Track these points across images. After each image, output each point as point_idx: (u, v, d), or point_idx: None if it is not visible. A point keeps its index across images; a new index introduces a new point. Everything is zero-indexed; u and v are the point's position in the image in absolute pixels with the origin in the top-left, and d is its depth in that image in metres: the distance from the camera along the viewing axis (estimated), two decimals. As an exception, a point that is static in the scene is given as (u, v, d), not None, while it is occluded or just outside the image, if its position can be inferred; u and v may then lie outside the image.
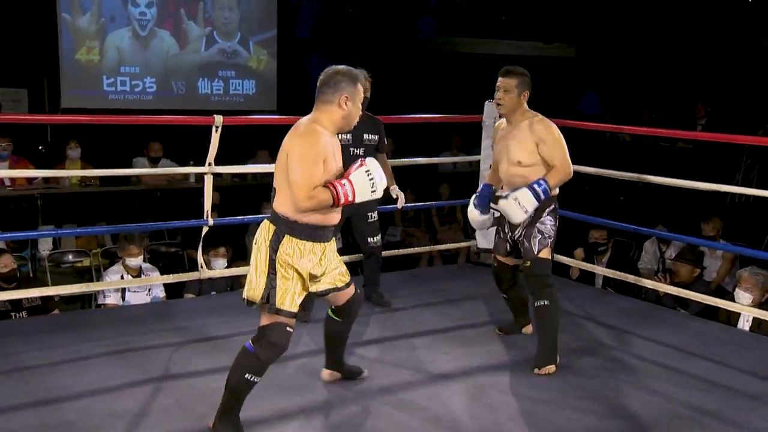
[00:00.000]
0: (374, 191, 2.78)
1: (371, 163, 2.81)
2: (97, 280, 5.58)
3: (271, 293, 2.71)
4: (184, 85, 9.13)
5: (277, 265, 2.72)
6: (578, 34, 11.09)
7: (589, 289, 5.21)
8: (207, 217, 4.26)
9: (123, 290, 4.78)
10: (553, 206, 3.59)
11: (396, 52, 10.68)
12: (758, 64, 10.37)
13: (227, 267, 5.08)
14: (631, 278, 4.68)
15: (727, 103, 9.91)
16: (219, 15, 9.22)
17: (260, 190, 7.50)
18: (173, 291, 5.08)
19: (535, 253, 3.55)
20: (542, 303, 3.52)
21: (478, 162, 5.26)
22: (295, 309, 2.75)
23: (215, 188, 4.69)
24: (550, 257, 3.59)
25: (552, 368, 3.46)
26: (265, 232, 2.76)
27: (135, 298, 4.81)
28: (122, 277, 4.86)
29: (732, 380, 3.45)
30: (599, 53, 10.43)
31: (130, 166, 7.28)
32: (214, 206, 4.45)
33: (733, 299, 4.59)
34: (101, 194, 6.99)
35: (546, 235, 3.57)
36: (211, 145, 4.16)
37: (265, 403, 3.07)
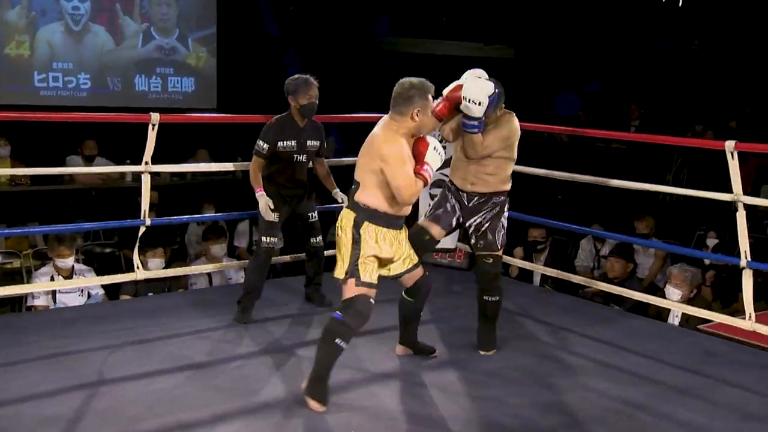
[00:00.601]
0: (442, 160, 3.18)
1: (431, 139, 3.17)
2: (28, 282, 5.40)
3: (354, 267, 3.11)
4: (120, 81, 8.89)
5: (361, 243, 3.12)
6: (517, 35, 11.29)
7: (528, 287, 5.32)
8: (144, 216, 4.18)
9: (54, 292, 4.64)
10: (507, 200, 3.72)
11: (349, 50, 10.65)
12: (688, 67, 10.76)
13: (165, 268, 4.98)
14: (568, 275, 4.79)
15: (660, 105, 10.26)
16: (156, 11, 9.02)
17: (200, 190, 7.40)
18: (110, 293, 4.97)
19: (498, 248, 3.67)
20: (494, 299, 3.69)
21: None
22: (375, 281, 3.15)
23: (153, 187, 4.60)
24: (501, 254, 3.75)
25: (494, 350, 3.75)
26: (347, 219, 3.16)
27: (68, 300, 4.67)
28: (52, 279, 4.72)
29: (662, 374, 3.57)
30: (538, 55, 10.65)
31: (63, 164, 7.07)
32: (152, 206, 4.38)
33: (664, 295, 4.76)
34: (33, 193, 6.76)
35: (504, 231, 3.70)
36: (147, 143, 4.08)
37: (203, 406, 3.04)
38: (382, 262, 3.21)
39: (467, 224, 3.71)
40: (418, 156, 3.13)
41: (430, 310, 4.35)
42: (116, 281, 4.44)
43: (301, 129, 4.07)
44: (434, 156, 3.14)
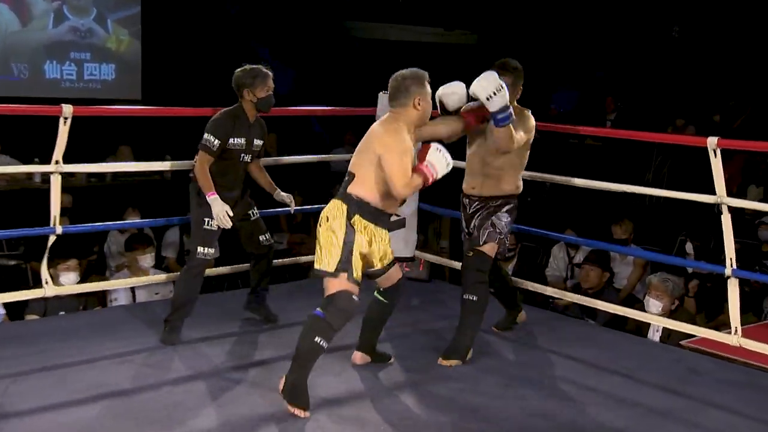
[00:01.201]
0: (449, 164, 3.42)
1: (434, 144, 3.44)
2: None
3: (346, 262, 3.30)
4: (27, 68, 8.70)
5: (355, 236, 3.34)
6: (481, 20, 11.40)
7: (493, 300, 5.34)
8: (54, 224, 4.07)
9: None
10: (512, 204, 3.91)
11: (297, 34, 10.61)
12: (668, 56, 11.00)
13: (80, 282, 4.88)
14: (538, 287, 4.84)
15: (637, 98, 10.47)
16: (70, -13, 8.87)
17: (122, 192, 7.28)
18: (14, 312, 4.84)
19: (480, 244, 3.82)
20: (472, 298, 3.81)
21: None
22: (360, 279, 3.37)
23: (66, 190, 4.51)
24: (492, 254, 3.87)
25: (456, 363, 3.77)
26: (337, 209, 3.37)
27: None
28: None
29: (641, 395, 3.63)
30: (503, 41, 10.78)
31: (-41, 163, 6.88)
32: (63, 211, 4.27)
33: (643, 307, 4.85)
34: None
35: (497, 231, 3.83)
36: (58, 139, 3.98)
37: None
38: (365, 260, 3.42)
39: (469, 231, 3.96)
40: (421, 158, 3.41)
41: (401, 324, 4.34)
42: (21, 299, 4.30)
43: (250, 125, 4.07)
44: (436, 155, 3.39)
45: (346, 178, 3.44)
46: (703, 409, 3.53)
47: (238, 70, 4.03)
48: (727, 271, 3.88)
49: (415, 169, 3.39)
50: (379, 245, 3.46)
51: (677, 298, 4.82)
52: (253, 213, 4.27)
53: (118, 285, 4.94)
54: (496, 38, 11.00)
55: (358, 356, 3.80)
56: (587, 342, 4.34)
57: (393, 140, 3.36)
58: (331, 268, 3.32)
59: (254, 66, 4.03)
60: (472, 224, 3.94)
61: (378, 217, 3.41)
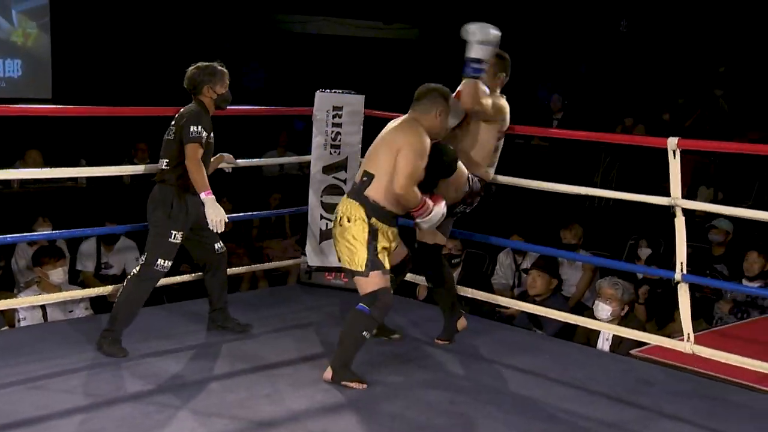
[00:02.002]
0: (435, 219, 3.89)
1: (438, 206, 3.90)
2: None
3: (375, 259, 3.72)
4: None
5: (378, 234, 3.74)
6: (421, 13, 11.48)
7: (437, 311, 5.38)
8: (-48, 237, 3.96)
9: None
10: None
11: (229, 28, 10.51)
12: (615, 52, 11.26)
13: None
14: (483, 295, 4.89)
15: (584, 96, 10.68)
16: (-32, -25, 8.64)
17: (31, 201, 7.10)
18: None
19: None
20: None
21: (309, 164, 5.28)
22: (389, 268, 3.82)
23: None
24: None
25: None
26: (355, 209, 3.74)
27: None
28: None
29: (590, 407, 3.70)
30: (445, 36, 10.89)
31: None
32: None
33: (592, 316, 4.95)
34: None
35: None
36: (-43, 143, 3.87)
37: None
38: (389, 256, 3.84)
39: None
40: (435, 198, 3.90)
41: (324, 341, 4.34)
42: None
43: (211, 123, 4.15)
44: (440, 211, 3.88)
45: (364, 178, 3.78)
46: (653, 419, 3.61)
47: (192, 67, 4.10)
48: (677, 276, 3.99)
49: (426, 193, 3.83)
50: (392, 246, 3.87)
51: (627, 304, 4.93)
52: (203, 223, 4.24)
53: (26, 303, 4.82)
54: (440, 33, 11.10)
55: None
56: (534, 352, 4.40)
57: (416, 139, 3.74)
58: (362, 268, 3.72)
59: (209, 63, 4.12)
60: None
61: (390, 220, 3.81)
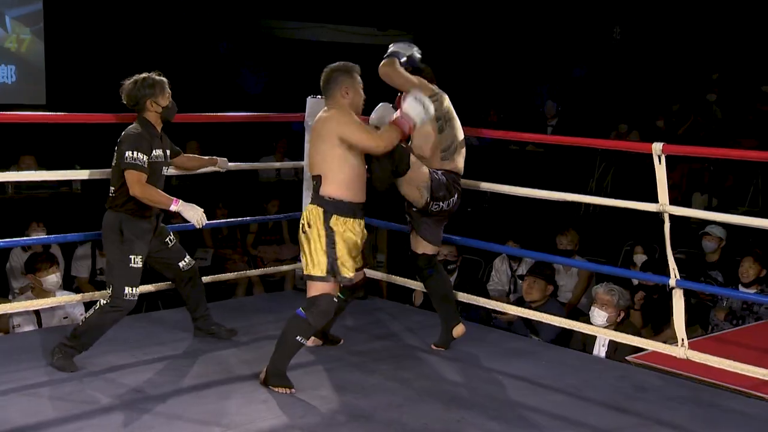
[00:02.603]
0: (426, 109, 3.80)
1: (412, 92, 3.85)
2: None
3: (334, 265, 3.70)
4: None
5: (336, 238, 3.70)
6: (416, 19, 11.50)
7: (433, 317, 5.36)
8: (-54, 242, 3.93)
9: None
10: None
11: (219, 35, 10.49)
12: (608, 59, 11.29)
13: (-21, 307, 4.71)
14: (479, 300, 4.88)
15: (579, 102, 10.70)
16: (-39, -21, 8.62)
17: (25, 206, 7.08)
18: None
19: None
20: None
21: (303, 169, 5.27)
22: (351, 275, 3.77)
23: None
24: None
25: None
26: (314, 215, 3.72)
27: None
28: None
29: (586, 414, 3.69)
30: (440, 42, 10.91)
31: None
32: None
33: (589, 321, 4.95)
34: None
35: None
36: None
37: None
38: (354, 257, 3.79)
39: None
40: (398, 109, 3.83)
41: (318, 348, 4.32)
42: None
43: (160, 136, 4.03)
44: (410, 103, 3.78)
45: (314, 183, 3.75)
46: (649, 426, 3.60)
47: (128, 82, 3.94)
48: (671, 282, 3.99)
49: (390, 122, 3.81)
50: (359, 239, 3.82)
51: (623, 310, 4.93)
52: (170, 240, 4.20)
53: (19, 308, 4.79)
54: (434, 38, 11.12)
55: (311, 339, 4.14)
56: (530, 359, 4.39)
57: (344, 118, 3.72)
58: (322, 273, 3.70)
59: (146, 75, 3.94)
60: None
61: (354, 210, 3.76)
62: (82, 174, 4.59)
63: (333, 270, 3.71)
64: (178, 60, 9.94)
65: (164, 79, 3.97)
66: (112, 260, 3.93)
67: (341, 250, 3.72)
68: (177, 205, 3.81)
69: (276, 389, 3.72)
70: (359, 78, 3.85)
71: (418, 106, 3.78)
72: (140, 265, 3.91)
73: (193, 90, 9.50)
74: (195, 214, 3.85)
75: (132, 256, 3.88)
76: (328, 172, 3.71)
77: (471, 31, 11.01)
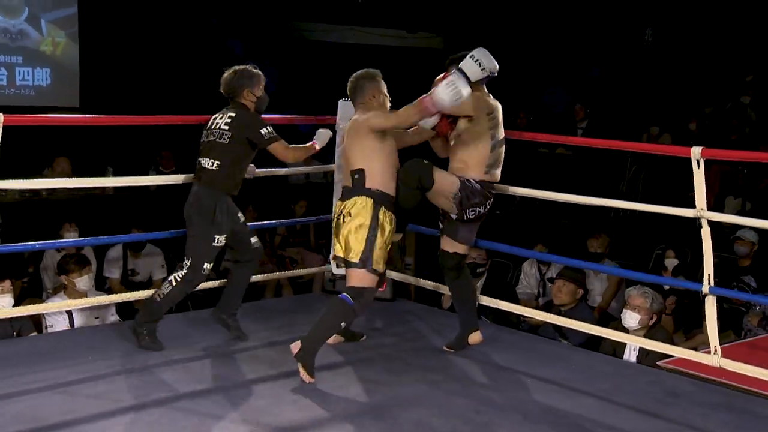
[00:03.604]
0: (457, 92, 3.74)
1: (454, 75, 3.81)
2: None
3: (369, 255, 3.86)
4: (-47, 72, 8.57)
5: (379, 231, 3.88)
6: (446, 22, 11.49)
7: (445, 315, 5.37)
8: (-16, 243, 4.01)
9: None
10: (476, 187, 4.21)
11: (254, 37, 10.54)
12: (641, 61, 11.19)
13: (14, 306, 4.79)
14: (508, 305, 4.87)
15: (609, 104, 10.62)
16: (-1, -15, 8.76)
17: (59, 208, 7.18)
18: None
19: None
20: None
21: (333, 172, 5.30)
22: (382, 269, 3.96)
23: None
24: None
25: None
26: (361, 205, 3.89)
27: None
28: None
29: (617, 419, 3.68)
30: (471, 44, 10.91)
31: None
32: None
33: (619, 325, 4.91)
34: None
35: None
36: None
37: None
38: (387, 252, 3.98)
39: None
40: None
41: (345, 349, 4.34)
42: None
43: None
44: (444, 86, 3.75)
45: (356, 176, 3.92)
46: (681, 432, 3.59)
47: (228, 72, 4.22)
48: (704, 289, 3.94)
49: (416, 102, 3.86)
50: (391, 234, 3.98)
51: (656, 314, 4.89)
52: (241, 215, 4.38)
53: (53, 308, 4.87)
54: (464, 41, 11.09)
55: (333, 337, 4.22)
56: (560, 363, 4.38)
57: (373, 113, 3.97)
58: (356, 259, 3.86)
59: (244, 66, 4.24)
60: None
61: (392, 203, 3.97)
62: (115, 181, 4.63)
63: (367, 259, 3.86)
64: (207, 62, 10.03)
65: (260, 73, 4.26)
66: (197, 235, 4.16)
67: (380, 243, 3.89)
68: (317, 143, 4.44)
69: (301, 369, 3.82)
70: (382, 81, 4.11)
71: (450, 87, 3.77)
72: (222, 245, 4.20)
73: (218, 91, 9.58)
74: (324, 139, 4.48)
75: (217, 236, 4.16)
76: (370, 167, 3.91)
77: (501, 32, 10.98)
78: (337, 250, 3.96)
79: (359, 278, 3.91)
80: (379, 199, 3.91)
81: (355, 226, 3.88)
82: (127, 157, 8.35)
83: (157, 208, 7.37)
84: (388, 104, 4.13)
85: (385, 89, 4.13)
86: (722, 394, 4.00)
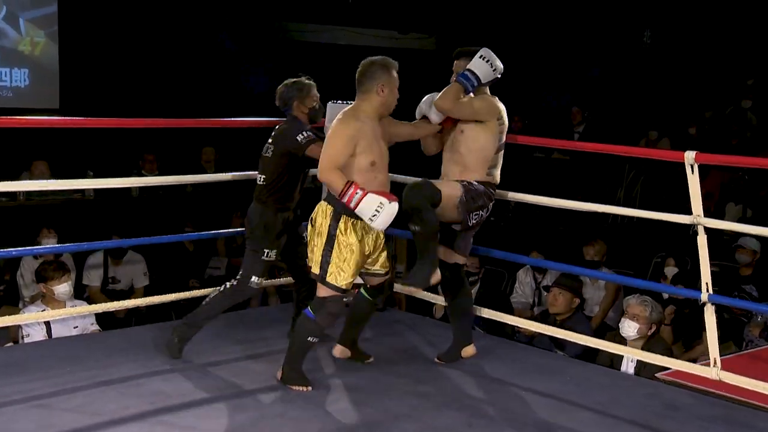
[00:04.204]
0: (371, 220, 3.66)
1: (391, 205, 3.67)
2: None
3: (323, 268, 3.76)
4: (-73, 73, 8.53)
5: (335, 243, 3.75)
6: (439, 23, 11.51)
7: (442, 326, 5.36)
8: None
9: None
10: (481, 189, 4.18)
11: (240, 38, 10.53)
12: (639, 63, 11.23)
13: (-11, 316, 4.76)
14: (502, 316, 4.86)
15: (607, 108, 10.65)
16: (-25, -17, 8.73)
17: (35, 213, 7.15)
18: None
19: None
20: (415, 228, 3.99)
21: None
22: (344, 286, 3.78)
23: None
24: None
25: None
26: (322, 212, 3.79)
27: None
28: None
29: (614, 433, 3.68)
30: (464, 45, 10.92)
31: None
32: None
33: (617, 336, 4.91)
34: None
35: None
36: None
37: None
38: (360, 261, 3.82)
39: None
40: (378, 191, 3.70)
41: (334, 360, 4.33)
42: None
43: None
44: (373, 201, 3.63)
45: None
46: (680, 447, 3.58)
47: (282, 85, 4.28)
48: (704, 297, 3.95)
49: (350, 181, 3.68)
50: (375, 239, 3.86)
51: (655, 323, 4.90)
52: (305, 235, 4.18)
53: (29, 319, 4.84)
54: (457, 42, 11.10)
55: (339, 349, 4.28)
56: (556, 375, 4.37)
57: (337, 125, 3.75)
58: (317, 270, 3.78)
59: (296, 79, 4.29)
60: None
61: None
62: (93, 183, 4.62)
63: (324, 271, 3.78)
64: (190, 62, 10.02)
65: (312, 83, 4.29)
66: (247, 248, 4.25)
67: (337, 257, 3.77)
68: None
69: (294, 388, 3.86)
70: (396, 76, 3.88)
71: (371, 207, 3.66)
72: (273, 258, 4.23)
73: (205, 94, 9.58)
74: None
75: (266, 250, 4.20)
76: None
77: (493, 34, 11.01)
78: (309, 263, 3.90)
79: (321, 289, 3.85)
80: (342, 207, 3.74)
81: (316, 234, 3.82)
82: (109, 160, 8.32)
83: (139, 214, 7.35)
84: (394, 104, 3.91)
85: (396, 86, 3.88)
86: (722, 407, 4.00)
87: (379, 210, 3.64)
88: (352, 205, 3.65)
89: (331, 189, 3.75)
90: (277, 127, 4.31)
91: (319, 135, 4.14)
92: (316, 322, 3.82)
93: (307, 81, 4.29)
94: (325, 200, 3.83)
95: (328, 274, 3.78)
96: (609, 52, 11.28)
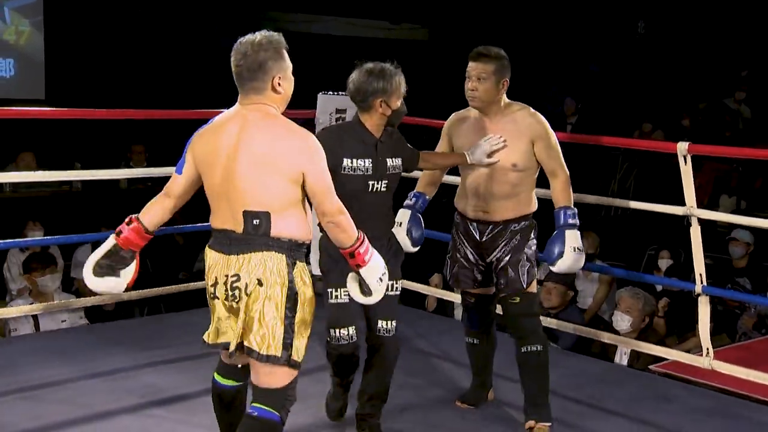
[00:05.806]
0: (373, 287, 2.84)
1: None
2: None
3: (287, 345, 2.67)
4: None
5: (299, 307, 2.68)
6: (431, 12, 11.51)
7: (447, 323, 5.39)
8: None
9: None
10: (534, 225, 3.75)
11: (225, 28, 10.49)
12: (633, 55, 11.26)
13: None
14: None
15: (600, 99, 10.68)
16: (-44, -30, 8.69)
17: (22, 205, 7.14)
18: None
19: (524, 285, 3.59)
20: (536, 348, 3.60)
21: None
22: (300, 359, 2.75)
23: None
24: (536, 292, 3.73)
25: (548, 425, 3.54)
26: (270, 267, 2.63)
27: None
28: None
29: (608, 425, 3.71)
30: (457, 36, 10.92)
31: None
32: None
33: (609, 328, 4.94)
34: None
35: (533, 264, 3.64)
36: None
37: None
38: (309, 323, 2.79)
39: (488, 263, 3.68)
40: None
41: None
42: None
43: (377, 142, 3.32)
44: (380, 267, 2.85)
45: (253, 222, 2.62)
46: (674, 438, 3.62)
47: (359, 72, 3.28)
48: (697, 289, 3.99)
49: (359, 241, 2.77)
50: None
51: (648, 315, 4.93)
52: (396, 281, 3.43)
53: (16, 312, 4.83)
54: (450, 33, 11.11)
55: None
56: (550, 366, 4.38)
57: (312, 145, 2.67)
58: (278, 352, 2.65)
59: (382, 66, 3.27)
60: (495, 257, 3.64)
61: (307, 256, 2.80)
62: (81, 174, 4.61)
63: (291, 346, 2.67)
64: (179, 52, 9.99)
65: (402, 76, 3.37)
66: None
67: (300, 322, 2.70)
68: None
69: None
70: (286, 55, 2.79)
71: (378, 279, 2.86)
72: (345, 300, 3.25)
73: (194, 84, 9.55)
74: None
75: (330, 290, 3.32)
76: (278, 204, 2.66)
77: (486, 25, 11.01)
78: (249, 340, 2.65)
79: (281, 376, 2.70)
80: (291, 255, 2.67)
81: (263, 299, 2.63)
82: (96, 152, 8.31)
83: (127, 206, 7.32)
84: (290, 94, 2.79)
85: (290, 71, 2.77)
86: (716, 399, 4.04)
87: (383, 277, 2.87)
88: (363, 259, 2.78)
89: (335, 238, 2.77)
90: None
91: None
92: (281, 422, 2.75)
93: (396, 72, 3.31)
94: (264, 250, 2.63)
95: (294, 351, 2.69)
96: (602, 44, 11.31)
